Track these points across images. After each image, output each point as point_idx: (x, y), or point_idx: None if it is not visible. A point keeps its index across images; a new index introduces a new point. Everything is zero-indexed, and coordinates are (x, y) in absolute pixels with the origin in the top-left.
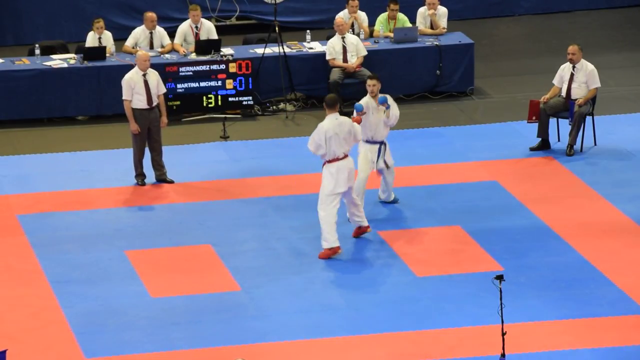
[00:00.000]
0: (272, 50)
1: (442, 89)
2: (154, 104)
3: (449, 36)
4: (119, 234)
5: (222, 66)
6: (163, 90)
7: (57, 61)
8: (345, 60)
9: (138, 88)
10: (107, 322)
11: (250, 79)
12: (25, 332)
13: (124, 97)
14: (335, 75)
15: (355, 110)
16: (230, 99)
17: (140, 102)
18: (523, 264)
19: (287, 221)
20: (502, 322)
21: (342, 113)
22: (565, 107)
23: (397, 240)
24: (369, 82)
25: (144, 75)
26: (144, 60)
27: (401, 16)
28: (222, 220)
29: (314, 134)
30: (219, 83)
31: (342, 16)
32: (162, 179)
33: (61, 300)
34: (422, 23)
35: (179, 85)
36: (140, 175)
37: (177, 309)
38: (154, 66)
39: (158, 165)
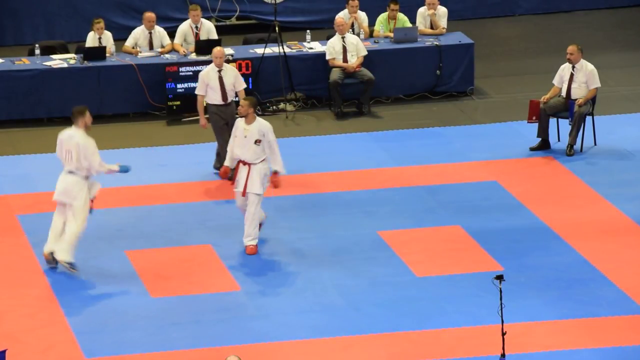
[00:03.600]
0: (272, 50)
1: (442, 89)
2: (229, 100)
3: (449, 36)
4: (119, 234)
5: None
6: (242, 86)
7: (57, 61)
8: (345, 60)
9: (213, 84)
10: (107, 322)
11: (250, 79)
12: (25, 332)
13: (196, 92)
14: (335, 75)
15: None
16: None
17: (215, 99)
18: (523, 264)
19: (287, 221)
20: (502, 322)
21: (342, 113)
22: (565, 107)
23: (397, 240)
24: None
25: (219, 71)
26: (217, 57)
27: (401, 16)
28: (222, 220)
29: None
30: None
31: (342, 16)
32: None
33: (61, 300)
34: (422, 23)
35: (179, 85)
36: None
37: (177, 309)
38: (153, 66)
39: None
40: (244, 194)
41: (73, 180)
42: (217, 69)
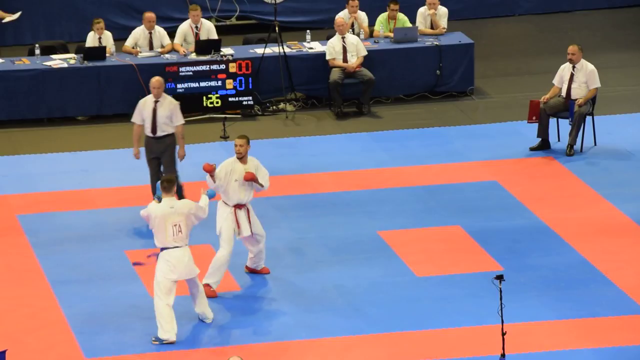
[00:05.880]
0: (272, 50)
1: (442, 89)
2: (159, 133)
3: (449, 36)
4: (119, 234)
5: (222, 66)
6: (179, 122)
7: (57, 61)
8: (345, 60)
9: (146, 114)
10: (107, 322)
11: (250, 79)
12: (25, 332)
13: (132, 119)
14: (335, 75)
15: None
16: (230, 99)
17: (147, 129)
18: (523, 264)
19: (287, 221)
20: (502, 322)
21: (342, 113)
22: (565, 107)
23: (397, 240)
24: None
25: (156, 102)
26: (154, 87)
27: (401, 16)
28: None
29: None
30: (219, 83)
31: (342, 16)
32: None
33: (61, 300)
34: (422, 23)
35: (179, 85)
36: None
37: (177, 309)
38: (154, 66)
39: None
40: (253, 234)
41: (186, 254)
42: (154, 99)
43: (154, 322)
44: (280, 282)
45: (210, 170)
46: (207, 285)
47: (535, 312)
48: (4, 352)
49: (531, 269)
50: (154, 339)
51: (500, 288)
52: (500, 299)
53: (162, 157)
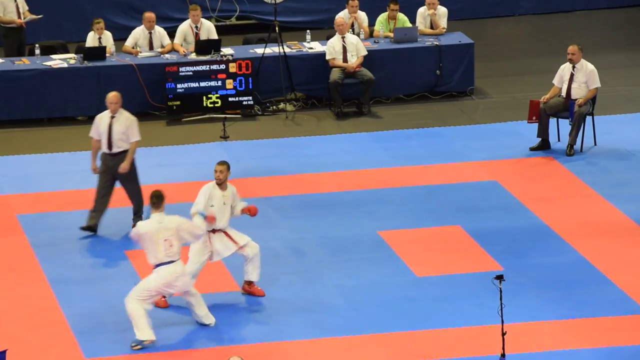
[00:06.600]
0: (272, 50)
1: (442, 88)
2: (114, 150)
3: (449, 36)
4: (119, 234)
5: (222, 66)
6: (134, 138)
7: (57, 61)
8: (345, 60)
9: (102, 129)
10: (107, 322)
11: (250, 79)
12: (25, 332)
13: (89, 134)
14: (335, 75)
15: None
16: (230, 99)
17: (103, 144)
18: (523, 264)
19: (287, 221)
20: (502, 322)
21: (342, 113)
22: (565, 107)
23: (397, 240)
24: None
25: (112, 117)
26: (110, 103)
27: (401, 16)
28: None
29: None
30: (219, 83)
31: (342, 16)
32: (86, 226)
33: (61, 300)
34: (422, 23)
35: (179, 85)
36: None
37: (177, 309)
38: (154, 66)
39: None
40: (240, 249)
41: (180, 268)
42: (111, 114)
43: (153, 322)
44: (280, 282)
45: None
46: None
47: (535, 312)
48: (4, 352)
49: (531, 269)
50: (134, 344)
51: (500, 288)
52: (500, 299)
53: (115, 173)
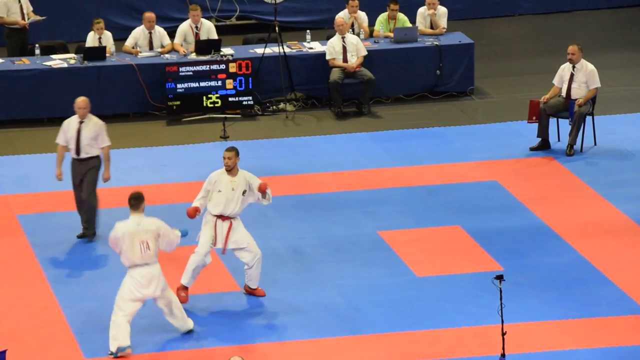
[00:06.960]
0: (272, 50)
1: (442, 89)
2: (82, 155)
3: (449, 36)
4: None
5: (222, 66)
6: (105, 143)
7: (57, 61)
8: (345, 60)
9: (70, 135)
10: (107, 322)
11: (250, 79)
12: (25, 332)
13: (56, 140)
14: (335, 75)
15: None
16: (230, 99)
17: (71, 150)
18: (523, 264)
19: (287, 221)
20: (502, 322)
21: (342, 113)
22: (565, 107)
23: (397, 240)
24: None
25: (81, 123)
26: (79, 108)
27: (401, 16)
28: None
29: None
30: (219, 83)
31: (342, 16)
32: (81, 234)
33: (61, 300)
34: (422, 23)
35: (179, 85)
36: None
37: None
38: (154, 66)
39: (84, 222)
40: (224, 251)
41: (156, 272)
42: (79, 120)
43: (153, 322)
44: (280, 282)
45: (194, 216)
46: (181, 287)
47: (535, 312)
48: (4, 352)
49: (531, 269)
50: (109, 353)
51: (500, 288)
52: (500, 299)
53: (84, 178)
